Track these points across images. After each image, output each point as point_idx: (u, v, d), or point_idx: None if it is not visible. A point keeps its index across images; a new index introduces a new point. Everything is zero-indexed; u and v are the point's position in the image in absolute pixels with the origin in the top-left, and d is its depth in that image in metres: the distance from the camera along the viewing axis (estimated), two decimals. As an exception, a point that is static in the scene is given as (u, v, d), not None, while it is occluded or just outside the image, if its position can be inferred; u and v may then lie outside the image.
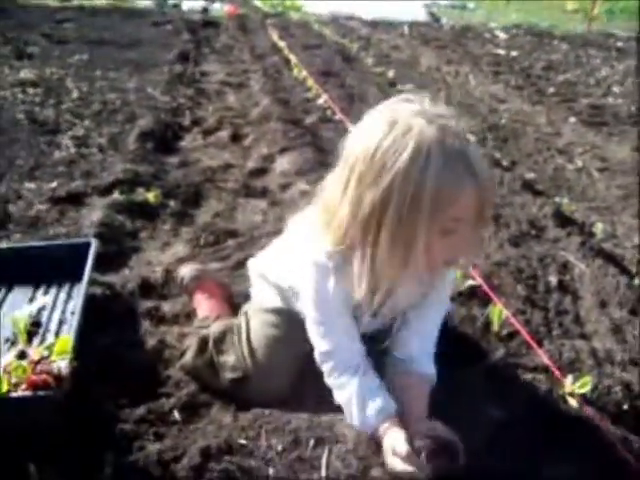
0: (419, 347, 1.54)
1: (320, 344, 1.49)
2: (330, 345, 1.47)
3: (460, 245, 1.32)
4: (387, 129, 1.24)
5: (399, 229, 1.24)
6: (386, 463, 1.35)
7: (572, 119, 4.80)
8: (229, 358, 1.64)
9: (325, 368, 1.49)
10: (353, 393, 1.43)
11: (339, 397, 1.47)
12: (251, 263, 1.87)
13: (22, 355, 1.55)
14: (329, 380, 1.49)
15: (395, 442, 1.33)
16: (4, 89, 4.66)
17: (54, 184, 2.96)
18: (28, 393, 1.37)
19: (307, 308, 1.50)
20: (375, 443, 1.41)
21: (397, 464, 1.32)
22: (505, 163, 3.67)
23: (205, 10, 10.56)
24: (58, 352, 1.47)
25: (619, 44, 8.98)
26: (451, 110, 1.31)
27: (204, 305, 1.96)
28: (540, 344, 1.94)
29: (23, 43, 6.36)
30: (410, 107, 1.28)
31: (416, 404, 1.46)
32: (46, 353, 1.55)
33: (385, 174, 1.22)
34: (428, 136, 1.21)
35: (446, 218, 1.25)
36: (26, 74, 5.12)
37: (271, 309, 1.70)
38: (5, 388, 1.37)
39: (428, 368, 1.54)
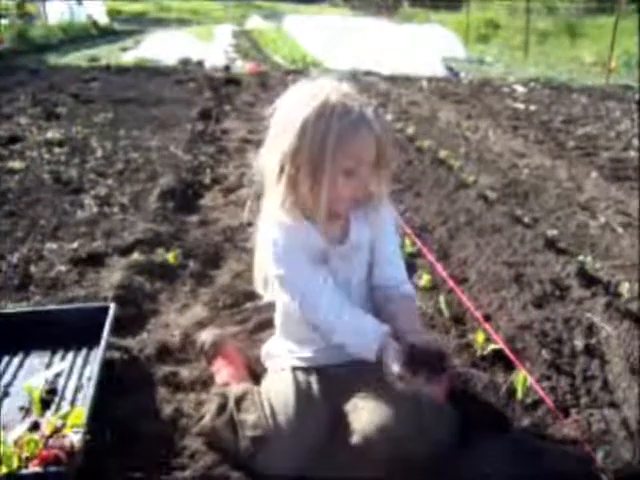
0: (394, 272, 1.75)
1: (294, 298, 1.62)
2: (302, 294, 1.61)
3: (361, 185, 1.60)
4: (301, 96, 1.58)
5: (309, 168, 1.53)
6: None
7: (594, 173, 4.77)
8: (250, 416, 1.62)
9: (310, 317, 1.62)
10: (347, 327, 1.57)
11: (335, 337, 1.59)
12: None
13: (35, 426, 1.53)
14: (319, 328, 1.61)
15: (391, 362, 1.48)
16: (31, 149, 4.78)
17: (75, 244, 2.99)
18: (39, 470, 1.34)
19: (270, 271, 1.66)
20: None
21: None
22: (527, 220, 3.64)
23: (227, 68, 10.84)
24: (71, 425, 1.44)
25: (637, 96, 9.00)
26: (358, 94, 1.62)
27: (224, 372, 1.93)
28: (567, 413, 1.87)
29: (52, 104, 6.56)
30: (320, 82, 1.61)
31: (407, 321, 1.63)
32: (59, 423, 1.53)
33: (298, 125, 1.52)
34: (333, 97, 1.54)
35: (347, 159, 1.53)
36: (53, 134, 5.26)
37: (286, 373, 1.69)
38: (16, 464, 1.34)
39: (408, 289, 1.76)
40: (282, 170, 1.57)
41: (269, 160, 1.61)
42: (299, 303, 1.62)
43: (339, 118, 1.51)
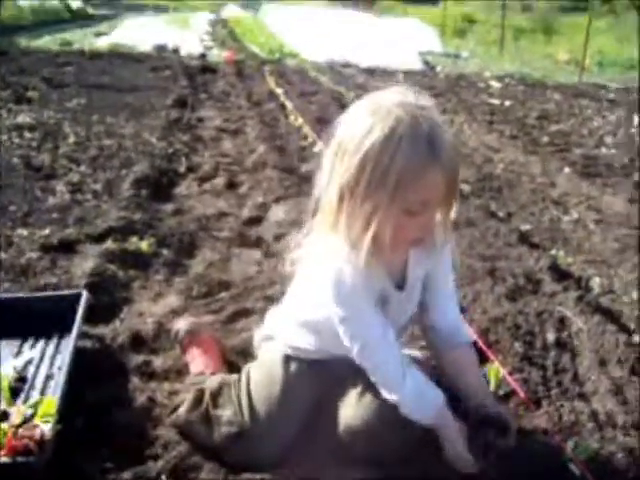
0: (454, 310, 1.65)
1: (354, 343, 1.46)
2: (363, 342, 1.46)
3: (426, 226, 1.41)
4: (367, 117, 1.34)
5: (366, 203, 1.33)
6: (444, 454, 1.47)
7: (566, 169, 4.83)
8: (226, 412, 1.60)
9: (369, 368, 1.48)
10: (409, 392, 1.45)
11: (394, 397, 1.46)
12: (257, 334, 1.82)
13: (3, 416, 1.49)
14: (380, 384, 1.48)
15: (452, 438, 1.45)
16: (1, 133, 4.67)
17: (47, 231, 2.93)
18: (8, 460, 1.31)
19: (333, 309, 1.45)
20: None
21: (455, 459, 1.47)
22: (501, 214, 3.67)
23: (203, 56, 10.74)
24: (42, 414, 1.42)
25: (610, 95, 9.13)
26: (431, 101, 1.39)
27: (199, 360, 1.92)
28: (538, 405, 1.90)
29: (23, 87, 6.42)
30: (392, 97, 1.37)
31: (471, 376, 1.58)
32: (29, 413, 1.51)
33: (360, 153, 1.31)
34: (402, 122, 1.30)
35: (411, 198, 1.32)
36: (24, 118, 5.15)
37: (277, 361, 1.65)
38: (-16, 454, 1.31)
39: (467, 334, 1.67)
40: (342, 200, 1.39)
41: (328, 187, 1.43)
42: (358, 351, 1.46)
43: (405, 151, 1.29)
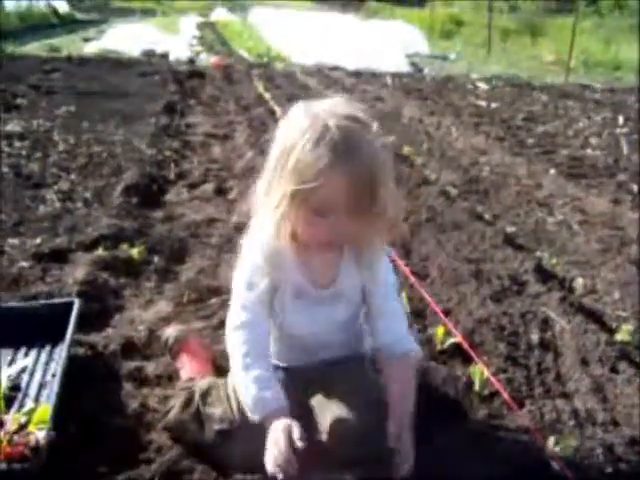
0: (390, 326, 1.62)
1: (231, 322, 1.57)
2: (243, 320, 1.54)
3: (336, 229, 1.46)
4: (298, 117, 1.45)
5: (272, 190, 1.45)
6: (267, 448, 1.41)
7: (552, 171, 4.89)
8: (216, 410, 1.64)
9: (235, 341, 1.54)
10: (256, 375, 1.48)
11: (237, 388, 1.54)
12: None
13: (-1, 424, 1.53)
14: (236, 357, 1.53)
15: (278, 435, 1.39)
16: (-10, 141, 4.69)
17: (38, 240, 2.96)
18: (3, 466, 1.34)
19: (241, 290, 1.58)
20: None
21: (272, 455, 1.39)
22: (487, 216, 3.73)
23: (192, 61, 10.76)
24: (36, 421, 1.45)
25: (595, 96, 9.23)
26: (366, 116, 1.46)
27: (189, 367, 1.95)
28: (522, 404, 1.95)
29: (11, 95, 6.43)
30: (325, 104, 1.46)
31: (394, 393, 1.52)
32: (24, 420, 1.54)
33: (276, 145, 1.46)
34: (316, 124, 1.39)
35: (311, 197, 1.39)
36: (13, 126, 5.17)
37: None
38: (-20, 461, 1.34)
39: (411, 345, 1.62)
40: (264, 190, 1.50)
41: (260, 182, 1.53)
42: (226, 331, 1.59)
43: (307, 149, 1.38)
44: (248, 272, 1.58)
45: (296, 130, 1.42)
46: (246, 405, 1.51)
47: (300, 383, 1.66)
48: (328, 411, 1.58)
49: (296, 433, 1.38)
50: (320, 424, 1.57)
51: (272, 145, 1.49)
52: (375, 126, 1.46)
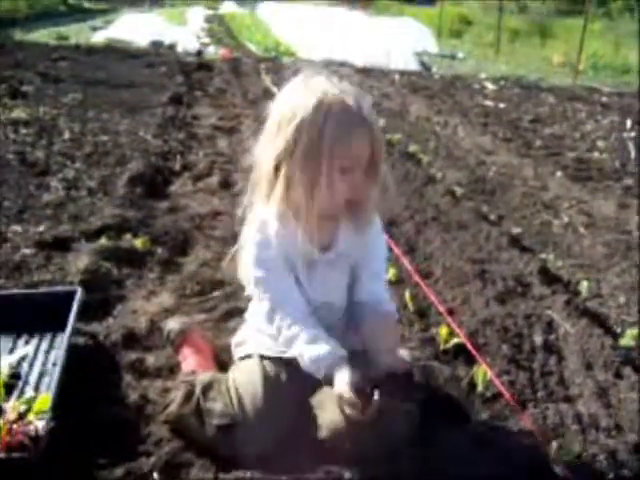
0: (379, 287, 1.73)
1: (264, 303, 1.64)
2: (274, 300, 1.62)
3: (356, 186, 1.57)
4: (299, 93, 1.54)
5: (306, 166, 1.51)
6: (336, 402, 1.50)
7: (558, 173, 4.87)
8: (217, 405, 1.63)
9: (275, 325, 1.62)
10: (304, 338, 1.57)
11: (291, 350, 1.60)
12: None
13: (-2, 412, 1.51)
14: (281, 338, 1.62)
15: (342, 386, 1.48)
16: (-4, 128, 4.68)
17: (41, 228, 2.95)
18: (2, 455, 1.33)
19: (249, 271, 1.65)
20: None
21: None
22: (492, 217, 3.71)
23: (199, 53, 10.73)
24: (36, 411, 1.44)
25: (603, 99, 9.18)
26: (354, 88, 1.59)
27: (190, 360, 1.94)
28: (524, 407, 1.94)
29: (18, 82, 6.41)
30: (319, 78, 1.57)
31: (386, 340, 1.58)
32: (23, 409, 1.53)
33: (294, 123, 1.50)
34: (330, 94, 1.52)
35: (343, 157, 1.51)
36: (19, 113, 5.15)
37: (254, 363, 1.71)
38: (-21, 449, 1.33)
39: (390, 307, 1.73)
40: (277, 169, 1.56)
41: (264, 159, 1.58)
42: (267, 312, 1.65)
43: (335, 115, 1.49)
44: (255, 251, 1.63)
45: (309, 104, 1.50)
46: (308, 369, 1.59)
47: (300, 379, 1.65)
48: (328, 410, 1.57)
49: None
50: (319, 422, 1.57)
51: (276, 119, 1.56)
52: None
